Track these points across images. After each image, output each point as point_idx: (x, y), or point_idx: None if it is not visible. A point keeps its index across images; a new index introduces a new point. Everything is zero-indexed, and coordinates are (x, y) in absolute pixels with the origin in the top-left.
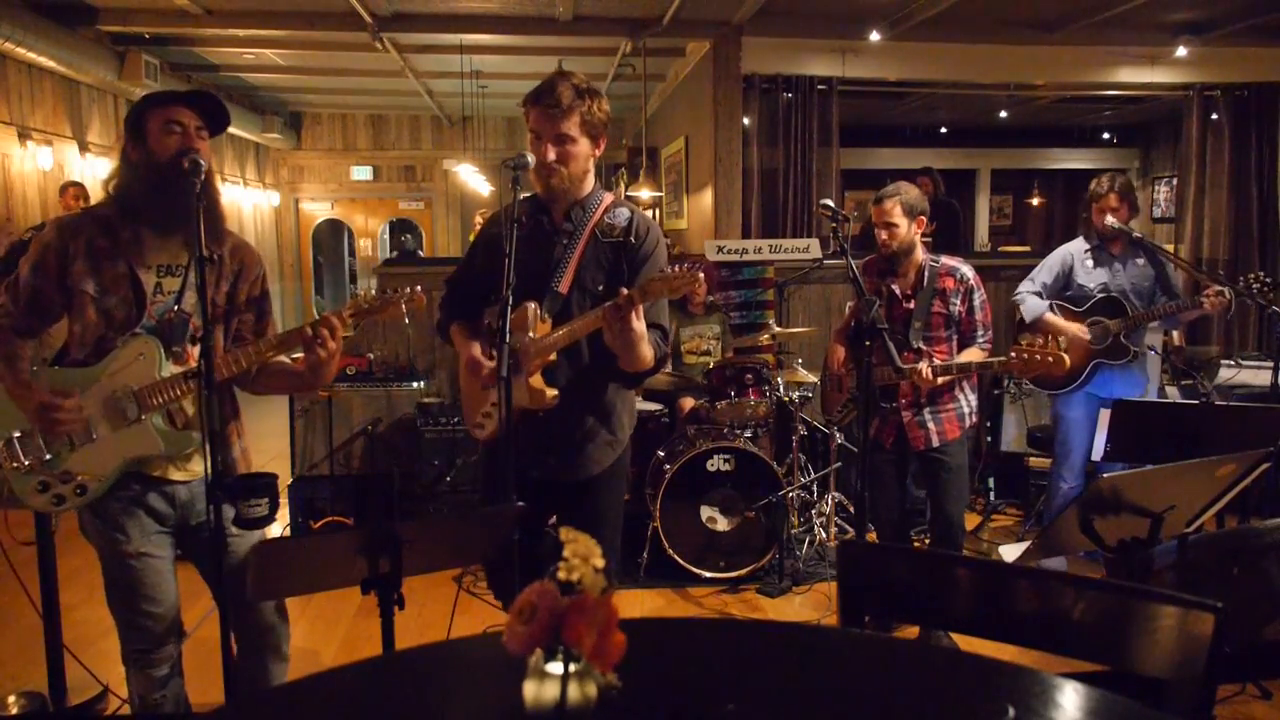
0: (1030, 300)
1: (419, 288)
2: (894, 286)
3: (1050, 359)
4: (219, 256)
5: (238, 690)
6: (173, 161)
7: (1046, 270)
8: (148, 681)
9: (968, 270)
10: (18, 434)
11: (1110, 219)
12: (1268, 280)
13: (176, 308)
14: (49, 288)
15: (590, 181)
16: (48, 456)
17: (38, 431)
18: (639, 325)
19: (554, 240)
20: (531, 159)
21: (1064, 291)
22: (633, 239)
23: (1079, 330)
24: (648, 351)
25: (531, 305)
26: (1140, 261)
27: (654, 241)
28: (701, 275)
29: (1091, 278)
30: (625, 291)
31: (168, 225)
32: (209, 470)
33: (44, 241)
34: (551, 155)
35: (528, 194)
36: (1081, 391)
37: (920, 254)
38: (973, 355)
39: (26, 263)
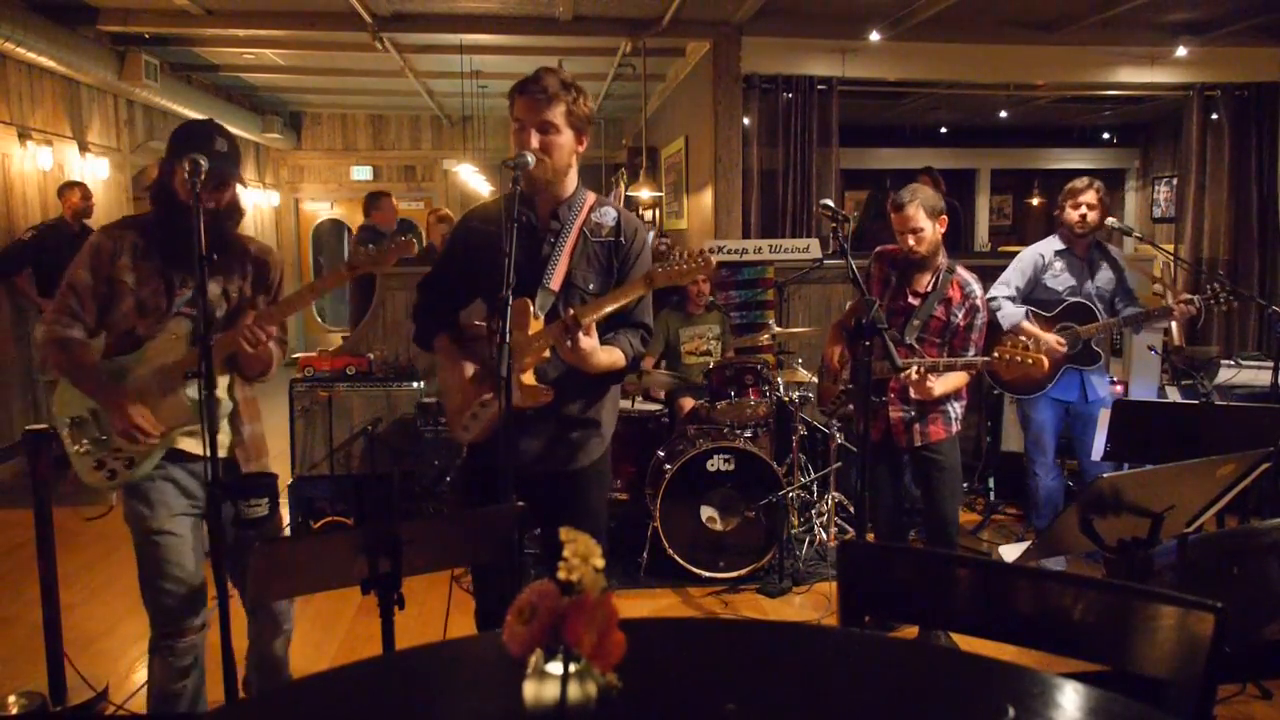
0: (1007, 307)
1: (409, 235)
2: (908, 285)
3: (1030, 361)
4: (243, 262)
5: (238, 687)
6: (185, 207)
7: (1019, 273)
8: (169, 670)
9: (977, 287)
10: (76, 417)
11: (1090, 217)
12: (1231, 290)
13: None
14: (101, 285)
15: (574, 180)
16: (103, 437)
17: (121, 437)
18: (588, 342)
19: (541, 238)
20: (531, 159)
21: (1032, 294)
22: (622, 239)
23: (1056, 342)
24: (604, 360)
25: (527, 301)
26: (1103, 264)
27: (642, 241)
28: (714, 260)
29: (1059, 281)
30: (572, 312)
31: (186, 246)
32: (209, 471)
33: (93, 244)
34: (535, 142)
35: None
36: (1046, 396)
37: (942, 257)
38: (957, 377)
39: (80, 268)
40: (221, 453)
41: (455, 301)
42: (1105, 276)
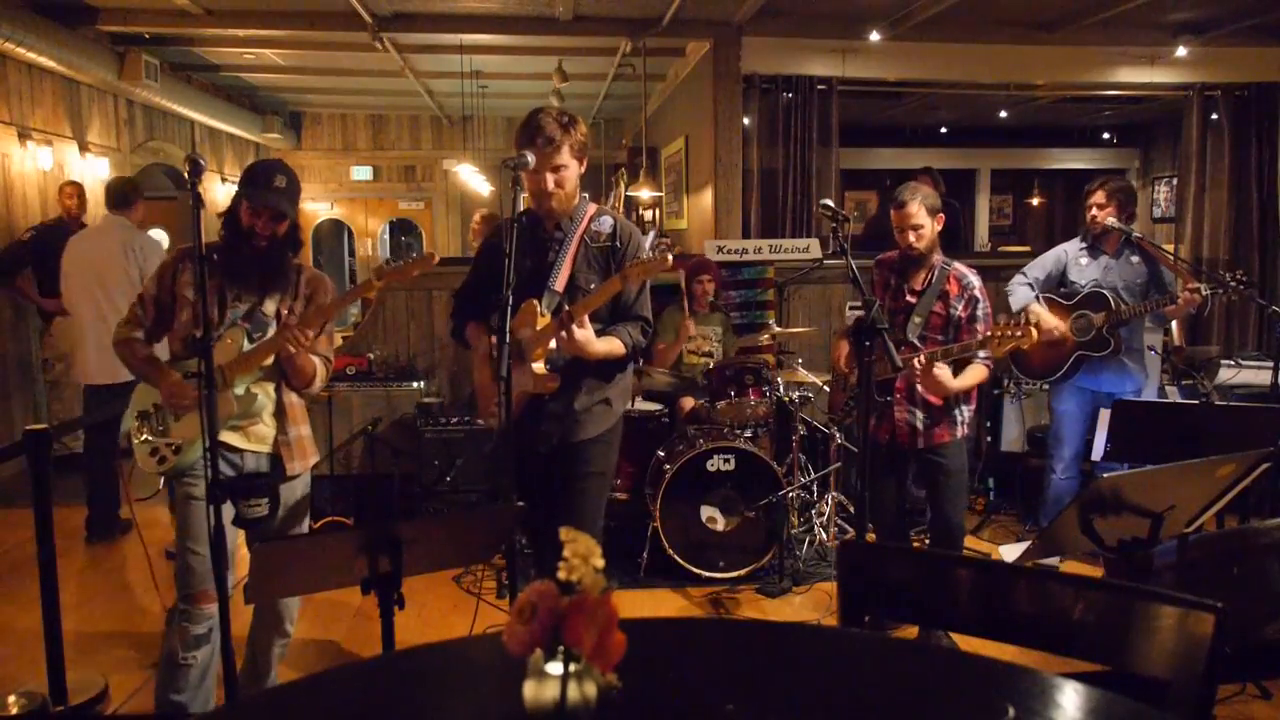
0: (1019, 291)
1: (430, 250)
2: (905, 284)
3: (1019, 334)
4: (297, 285)
5: (237, 690)
6: (248, 231)
7: (1040, 266)
8: (184, 636)
9: (974, 279)
10: (142, 410)
11: (1098, 216)
12: (1244, 278)
13: (259, 310)
14: (164, 296)
15: (575, 193)
16: (160, 428)
17: (165, 406)
18: (581, 333)
19: (548, 246)
20: (531, 159)
21: (1058, 288)
22: (618, 243)
23: (1056, 323)
24: (601, 349)
25: (534, 302)
26: (1135, 260)
27: (636, 245)
28: (670, 258)
29: (1084, 274)
30: (567, 308)
31: (244, 267)
32: (209, 472)
33: (164, 261)
34: (551, 184)
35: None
36: (1071, 385)
37: (937, 254)
38: (976, 373)
39: (150, 281)
40: (265, 448)
41: (483, 303)
42: (1134, 271)
